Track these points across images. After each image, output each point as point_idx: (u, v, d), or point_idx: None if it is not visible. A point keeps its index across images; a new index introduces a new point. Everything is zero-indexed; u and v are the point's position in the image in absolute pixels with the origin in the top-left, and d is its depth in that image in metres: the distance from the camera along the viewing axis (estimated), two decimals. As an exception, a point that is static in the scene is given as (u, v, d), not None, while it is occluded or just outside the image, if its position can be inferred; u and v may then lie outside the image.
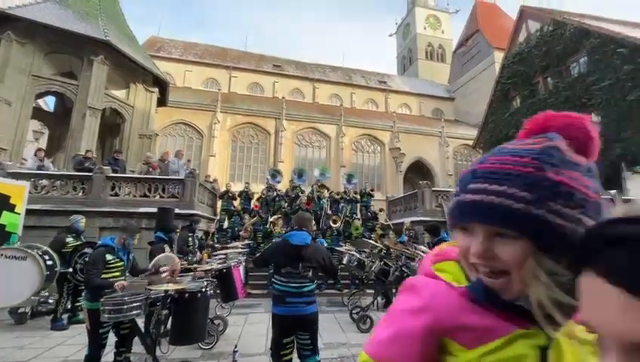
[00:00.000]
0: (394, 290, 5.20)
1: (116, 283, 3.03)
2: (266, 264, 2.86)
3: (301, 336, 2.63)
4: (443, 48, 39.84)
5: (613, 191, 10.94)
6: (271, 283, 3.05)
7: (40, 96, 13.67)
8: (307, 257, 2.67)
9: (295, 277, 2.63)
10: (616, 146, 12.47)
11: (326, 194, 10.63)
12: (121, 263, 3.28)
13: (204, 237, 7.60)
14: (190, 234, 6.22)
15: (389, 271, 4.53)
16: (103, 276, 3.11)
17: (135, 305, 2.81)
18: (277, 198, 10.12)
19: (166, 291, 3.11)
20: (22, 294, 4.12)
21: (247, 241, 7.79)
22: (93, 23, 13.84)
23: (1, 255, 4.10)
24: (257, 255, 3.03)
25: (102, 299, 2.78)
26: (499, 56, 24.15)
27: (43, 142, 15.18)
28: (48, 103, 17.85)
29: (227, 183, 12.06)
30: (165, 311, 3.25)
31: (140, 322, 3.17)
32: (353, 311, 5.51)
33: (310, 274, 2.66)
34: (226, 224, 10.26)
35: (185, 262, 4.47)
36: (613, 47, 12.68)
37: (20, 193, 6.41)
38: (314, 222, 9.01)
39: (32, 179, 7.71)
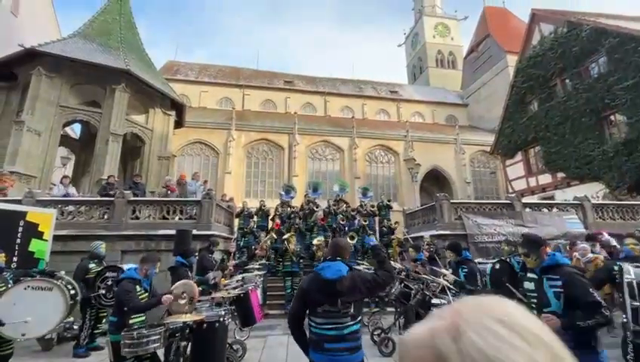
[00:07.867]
0: (415, 311, 5.00)
1: (163, 297, 3.14)
2: (303, 310, 2.29)
3: None
4: (454, 55, 39.58)
5: (646, 196, 10.30)
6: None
7: (67, 124, 14.46)
8: (345, 291, 2.20)
9: (334, 317, 2.18)
10: (645, 147, 11.83)
11: (343, 208, 10.52)
12: (145, 294, 3.35)
13: (225, 257, 7.61)
14: (209, 256, 6.29)
15: (410, 294, 4.37)
16: None
17: (154, 338, 2.82)
18: (292, 215, 10.08)
19: (184, 322, 3.12)
20: (49, 323, 4.25)
21: (263, 261, 7.75)
22: (114, 54, 14.66)
23: (29, 286, 4.24)
24: (290, 311, 2.43)
25: (122, 333, 2.81)
26: (512, 60, 23.69)
27: (70, 168, 15.97)
28: (75, 130, 18.84)
29: (243, 201, 12.18)
30: (184, 342, 3.25)
31: (160, 352, 3.17)
32: (374, 333, 5.34)
33: (352, 310, 2.21)
34: (242, 243, 10.30)
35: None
36: (634, 45, 12.20)
37: (47, 221, 6.70)
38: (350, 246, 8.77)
39: (59, 206, 8.06)
